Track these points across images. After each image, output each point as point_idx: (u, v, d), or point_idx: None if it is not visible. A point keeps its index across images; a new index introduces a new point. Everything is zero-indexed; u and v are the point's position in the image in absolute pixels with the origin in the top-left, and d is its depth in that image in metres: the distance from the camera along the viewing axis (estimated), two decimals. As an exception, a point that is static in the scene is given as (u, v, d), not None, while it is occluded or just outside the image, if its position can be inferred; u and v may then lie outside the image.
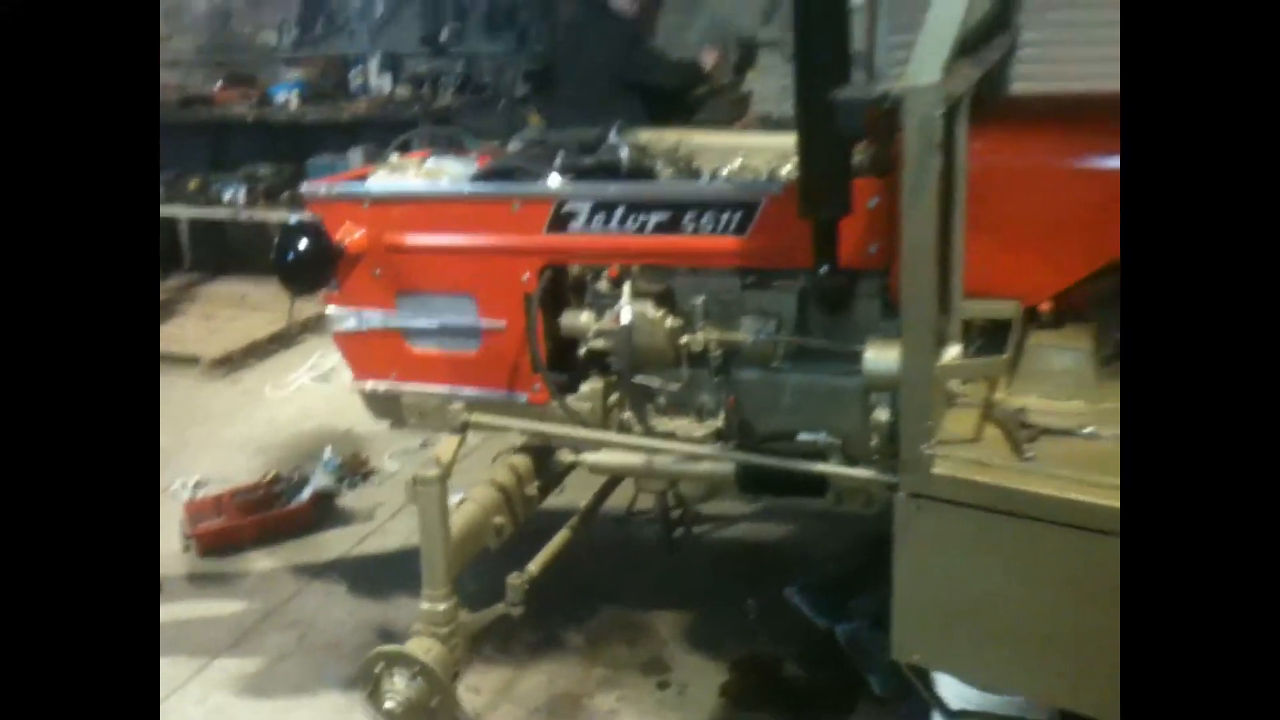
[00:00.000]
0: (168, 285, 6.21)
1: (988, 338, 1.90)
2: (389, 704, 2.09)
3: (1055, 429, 1.68)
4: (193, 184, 5.94)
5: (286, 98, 5.62)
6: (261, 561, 3.24)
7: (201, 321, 5.52)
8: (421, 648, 2.11)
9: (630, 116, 2.62)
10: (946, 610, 1.68)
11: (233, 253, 6.30)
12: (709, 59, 4.28)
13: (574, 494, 2.84)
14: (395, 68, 5.70)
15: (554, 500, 2.72)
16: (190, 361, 4.90)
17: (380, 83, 5.65)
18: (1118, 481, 1.46)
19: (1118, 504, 1.45)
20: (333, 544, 3.32)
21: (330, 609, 2.98)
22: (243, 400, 4.61)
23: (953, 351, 1.75)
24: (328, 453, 3.63)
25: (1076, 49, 4.02)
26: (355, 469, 3.67)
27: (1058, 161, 1.88)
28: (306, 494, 3.41)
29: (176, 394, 4.58)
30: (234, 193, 5.70)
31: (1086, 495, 1.52)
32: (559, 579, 2.51)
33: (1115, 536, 1.45)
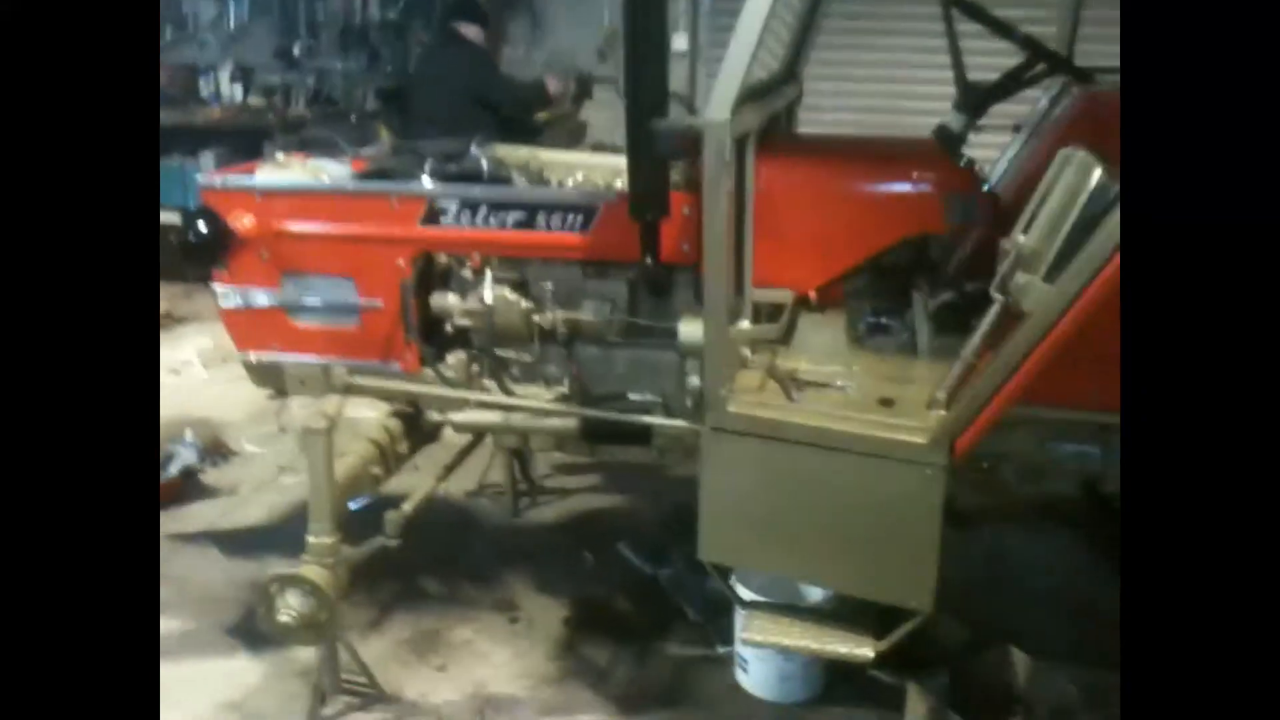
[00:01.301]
0: None
1: (769, 318, 2.47)
2: (283, 618, 2.42)
3: (816, 383, 2.25)
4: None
5: (135, 101, 5.73)
6: (131, 531, 3.45)
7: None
8: (311, 571, 2.45)
9: (482, 134, 3.06)
10: (739, 518, 2.20)
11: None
12: (553, 85, 4.78)
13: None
14: (246, 79, 5.90)
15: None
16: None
17: (231, 92, 5.85)
18: (860, 415, 2.04)
19: (858, 430, 2.03)
20: (200, 515, 3.58)
21: (204, 568, 3.24)
22: (94, 391, 4.71)
23: (744, 324, 2.32)
24: (189, 434, 3.87)
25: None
26: (216, 450, 3.93)
27: (821, 185, 2.49)
28: (173, 470, 3.65)
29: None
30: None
31: (836, 424, 2.08)
32: (417, 543, 2.80)
33: (854, 454, 2.02)
